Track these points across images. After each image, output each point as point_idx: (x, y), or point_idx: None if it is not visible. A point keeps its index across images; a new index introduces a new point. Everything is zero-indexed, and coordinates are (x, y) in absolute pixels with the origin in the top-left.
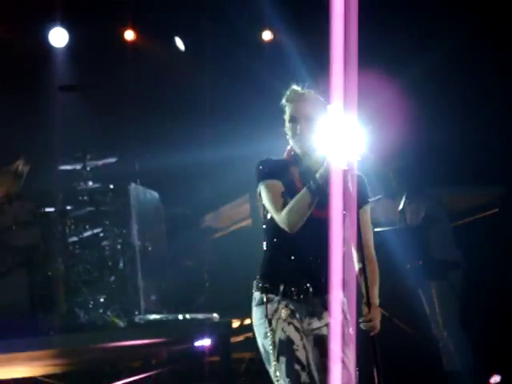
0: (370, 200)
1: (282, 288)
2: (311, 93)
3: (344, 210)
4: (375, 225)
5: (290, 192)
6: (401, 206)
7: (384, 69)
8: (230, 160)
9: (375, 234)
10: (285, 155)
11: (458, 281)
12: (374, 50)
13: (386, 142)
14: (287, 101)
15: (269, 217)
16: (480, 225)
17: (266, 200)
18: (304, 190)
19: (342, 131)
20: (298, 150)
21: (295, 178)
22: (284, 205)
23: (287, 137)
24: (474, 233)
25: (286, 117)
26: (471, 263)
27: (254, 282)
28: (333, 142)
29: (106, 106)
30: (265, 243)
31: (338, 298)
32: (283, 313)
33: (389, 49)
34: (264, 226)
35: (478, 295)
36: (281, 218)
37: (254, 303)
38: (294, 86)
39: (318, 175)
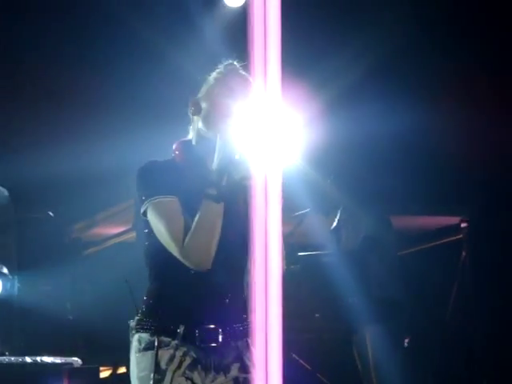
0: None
1: (182, 329)
2: (249, 77)
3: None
4: (300, 247)
5: (191, 210)
6: (334, 224)
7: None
8: (112, 156)
9: (299, 259)
10: (174, 154)
11: (401, 327)
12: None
13: (320, 144)
14: (222, 71)
15: (155, 240)
16: (438, 253)
17: (157, 228)
18: (204, 204)
19: (264, 125)
20: (206, 136)
21: (196, 183)
22: (186, 233)
23: (193, 115)
24: (430, 264)
25: (211, 88)
26: (422, 303)
27: (135, 321)
28: (254, 138)
29: None
30: (150, 269)
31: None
32: (182, 362)
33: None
34: (147, 246)
35: (429, 346)
36: (184, 254)
37: (135, 348)
38: (233, 62)
39: (214, 173)
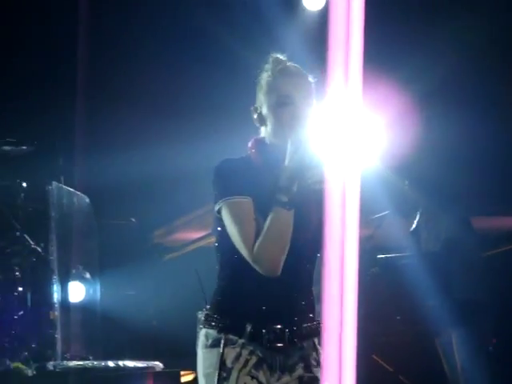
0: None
1: (249, 328)
2: (301, 69)
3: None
4: (379, 249)
5: (264, 212)
6: (414, 226)
7: (396, 62)
8: (190, 161)
9: (378, 261)
10: (250, 152)
11: (486, 330)
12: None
13: (399, 146)
14: (272, 73)
15: (227, 238)
16: None
17: (230, 229)
18: (274, 211)
19: (343, 128)
20: (276, 143)
21: (270, 186)
22: (257, 237)
23: (259, 124)
24: None
25: (267, 96)
26: (509, 305)
27: (203, 316)
28: (331, 141)
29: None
30: (220, 267)
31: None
32: (248, 361)
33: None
34: (218, 243)
35: None
36: (254, 260)
37: (202, 344)
38: (278, 55)
39: (285, 179)
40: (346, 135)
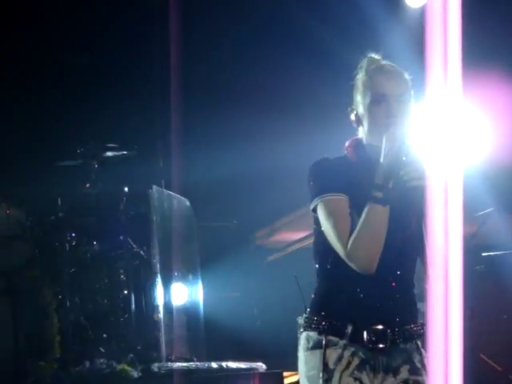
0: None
1: (350, 329)
2: (397, 67)
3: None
4: (484, 247)
5: (361, 208)
6: None
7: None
8: (291, 160)
9: (485, 258)
10: (347, 151)
11: None
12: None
13: (506, 141)
14: (367, 73)
15: (324, 237)
16: None
17: (325, 226)
18: (368, 207)
19: (444, 124)
20: (373, 143)
21: (366, 184)
22: (352, 234)
23: (356, 125)
24: None
25: (362, 95)
26: None
27: (304, 320)
28: (431, 138)
29: (118, 81)
30: (319, 268)
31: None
32: (351, 363)
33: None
34: (315, 243)
35: None
36: (348, 257)
37: (303, 347)
38: (373, 55)
39: (380, 176)
40: (448, 131)
